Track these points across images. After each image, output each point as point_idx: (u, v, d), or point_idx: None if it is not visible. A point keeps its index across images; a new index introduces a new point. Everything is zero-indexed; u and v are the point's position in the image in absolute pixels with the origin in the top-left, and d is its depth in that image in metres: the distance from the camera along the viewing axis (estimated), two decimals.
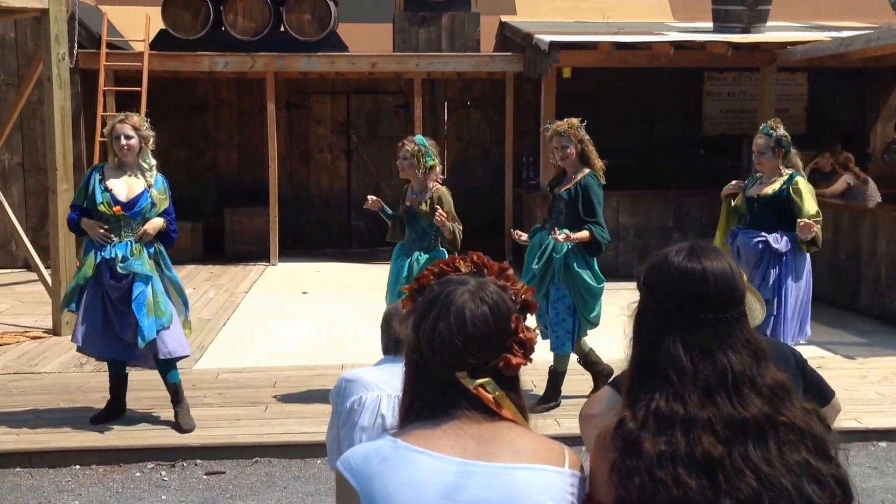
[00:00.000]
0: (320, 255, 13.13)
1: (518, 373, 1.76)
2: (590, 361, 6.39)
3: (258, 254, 12.51)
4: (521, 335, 1.73)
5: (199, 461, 5.66)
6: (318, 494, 5.21)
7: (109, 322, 5.80)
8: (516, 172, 12.74)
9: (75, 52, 10.96)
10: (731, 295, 1.82)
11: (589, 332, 6.33)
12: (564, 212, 6.13)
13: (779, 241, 5.93)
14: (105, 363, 6.20)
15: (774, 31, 11.88)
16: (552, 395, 6.29)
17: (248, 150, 13.66)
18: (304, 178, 13.95)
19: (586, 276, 6.09)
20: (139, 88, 11.32)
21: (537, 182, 11.78)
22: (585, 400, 2.81)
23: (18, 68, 11.62)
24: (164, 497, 5.18)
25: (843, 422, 2.98)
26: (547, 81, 11.00)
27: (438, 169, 6.15)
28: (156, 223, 5.81)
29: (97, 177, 5.81)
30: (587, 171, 6.13)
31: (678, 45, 10.58)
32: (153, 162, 5.90)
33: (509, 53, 12.40)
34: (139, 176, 5.83)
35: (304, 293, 10.54)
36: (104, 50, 11.38)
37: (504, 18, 13.57)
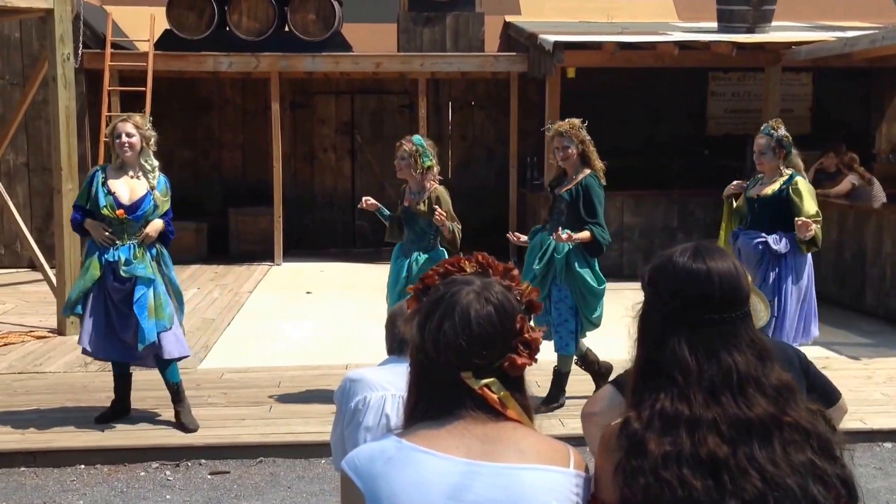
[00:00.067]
0: (324, 255, 13.14)
1: (523, 373, 1.76)
2: (588, 361, 6.39)
3: (262, 254, 12.52)
4: (527, 335, 1.73)
5: (203, 461, 5.67)
6: (322, 494, 5.22)
7: (111, 324, 5.81)
8: (520, 172, 12.74)
9: (80, 52, 10.97)
10: (735, 295, 1.82)
11: (589, 332, 6.32)
12: (565, 212, 6.12)
13: (778, 243, 5.92)
14: (109, 363, 6.22)
15: (779, 31, 11.86)
16: (556, 396, 6.28)
17: (253, 150, 13.68)
18: (308, 178, 13.96)
19: (587, 276, 6.09)
20: (144, 88, 11.33)
21: (541, 182, 11.77)
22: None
23: (23, 68, 11.63)
24: (168, 497, 5.19)
25: (847, 422, 2.97)
26: (551, 81, 11.00)
27: (436, 169, 6.14)
28: (156, 225, 5.82)
29: (99, 179, 5.80)
30: (588, 171, 6.12)
31: (683, 45, 10.57)
32: (155, 163, 5.90)
33: (513, 53, 12.40)
34: (141, 177, 5.84)
35: (309, 293, 10.55)
36: (109, 50, 11.39)
37: (508, 18, 13.57)
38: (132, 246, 5.76)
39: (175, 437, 5.82)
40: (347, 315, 9.19)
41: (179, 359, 6.00)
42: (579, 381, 6.39)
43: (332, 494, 5.15)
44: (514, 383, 1.75)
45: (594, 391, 6.31)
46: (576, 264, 6.07)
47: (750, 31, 11.55)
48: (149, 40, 11.63)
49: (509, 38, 13.18)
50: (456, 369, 1.71)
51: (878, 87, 13.72)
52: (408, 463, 1.68)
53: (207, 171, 13.78)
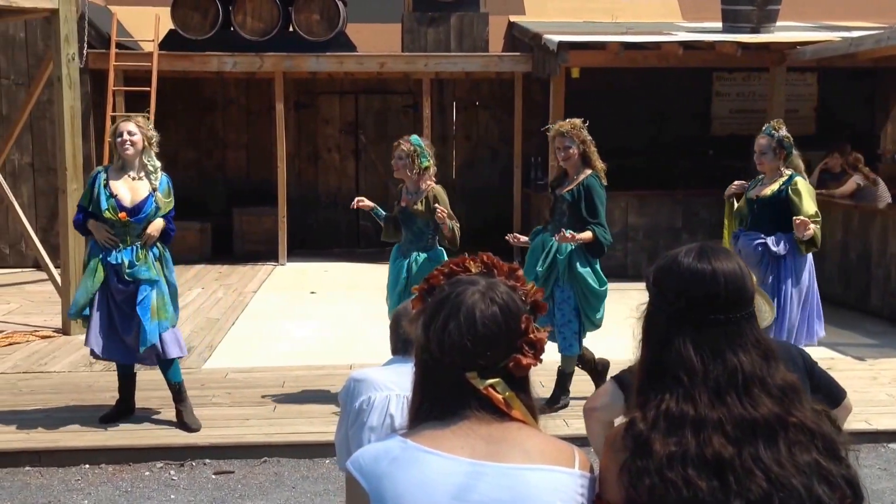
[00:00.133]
0: (328, 255, 13.14)
1: (528, 373, 1.76)
2: (584, 360, 6.39)
3: (267, 253, 12.53)
4: (532, 335, 1.73)
5: (207, 461, 5.67)
6: (326, 494, 5.22)
7: (114, 325, 5.82)
8: (525, 173, 12.74)
9: (85, 52, 10.98)
10: (740, 295, 1.82)
11: (589, 333, 6.31)
12: (567, 213, 6.11)
13: (777, 244, 5.90)
14: (113, 363, 6.23)
15: (784, 31, 11.85)
16: (560, 396, 6.28)
17: (257, 150, 13.69)
18: (312, 178, 13.97)
19: (588, 277, 6.08)
20: (148, 88, 11.34)
21: (546, 182, 11.75)
22: None
23: (28, 68, 11.66)
24: (173, 496, 5.20)
25: (852, 423, 2.97)
26: (556, 81, 10.99)
27: (433, 170, 6.15)
28: (157, 225, 5.82)
29: (102, 180, 5.80)
30: (589, 171, 6.11)
31: (687, 46, 10.56)
32: (158, 164, 5.90)
33: (518, 53, 12.39)
34: (143, 178, 5.84)
35: (313, 293, 10.55)
36: (114, 50, 11.41)
37: (513, 18, 13.57)
38: (134, 248, 5.77)
39: (179, 437, 5.83)
40: (351, 315, 9.20)
41: (177, 359, 6.02)
42: (583, 382, 6.39)
43: (337, 494, 5.15)
44: (519, 383, 1.75)
45: (594, 390, 6.33)
46: (577, 265, 6.07)
47: (755, 31, 11.54)
48: (153, 40, 11.65)
49: (513, 38, 13.18)
50: (461, 369, 1.71)
51: (884, 87, 13.70)
52: (412, 463, 1.68)
53: (211, 170, 13.80)
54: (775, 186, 5.98)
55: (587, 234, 6.00)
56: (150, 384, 6.42)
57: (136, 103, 11.08)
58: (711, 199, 10.81)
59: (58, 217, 8.73)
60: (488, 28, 12.81)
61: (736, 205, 6.32)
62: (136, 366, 6.14)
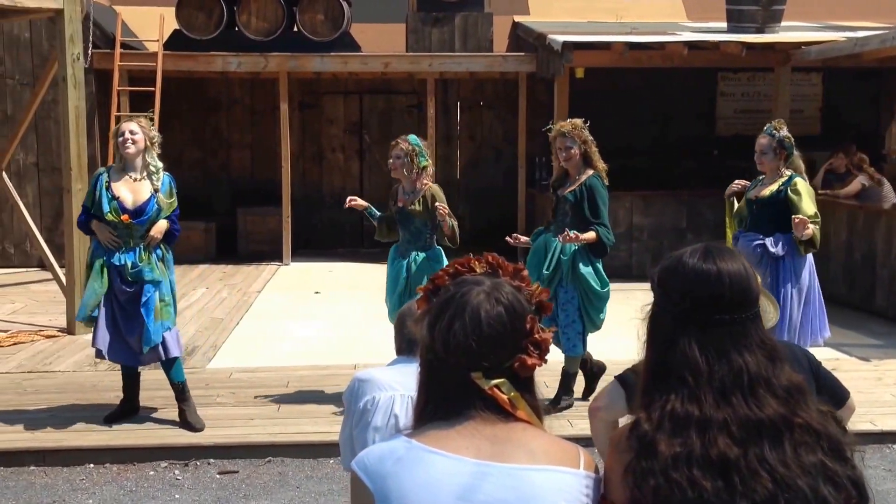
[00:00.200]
0: (333, 255, 13.15)
1: (533, 374, 1.76)
2: (581, 360, 6.39)
3: (271, 253, 12.54)
4: (537, 336, 1.73)
5: (212, 460, 5.68)
6: (330, 494, 5.22)
7: (118, 326, 5.82)
8: (529, 173, 12.73)
9: (90, 52, 11.00)
10: (745, 296, 1.82)
11: (589, 334, 6.31)
12: (570, 213, 6.11)
13: (775, 245, 5.88)
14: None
15: (789, 31, 11.83)
16: (563, 396, 6.28)
17: (261, 150, 13.70)
18: (316, 178, 13.98)
19: (591, 278, 6.07)
20: (153, 88, 11.36)
21: (549, 182, 11.76)
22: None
23: (33, 68, 11.68)
24: (177, 496, 5.20)
25: (857, 424, 2.96)
26: (560, 81, 10.98)
27: (430, 170, 6.16)
28: (160, 226, 5.82)
29: (103, 182, 5.80)
30: (591, 172, 6.11)
31: (692, 46, 10.54)
32: (160, 164, 5.90)
33: (522, 53, 12.39)
34: (145, 178, 5.84)
35: (317, 293, 10.56)
36: (118, 50, 11.43)
37: (517, 18, 13.56)
38: (138, 250, 5.78)
39: (184, 437, 5.83)
40: (356, 315, 9.20)
41: (179, 358, 6.03)
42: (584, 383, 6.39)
43: (341, 494, 5.15)
44: (524, 384, 1.75)
45: (583, 390, 6.35)
46: (580, 265, 6.06)
47: (759, 31, 11.52)
48: (158, 40, 11.66)
49: (518, 38, 13.18)
50: (466, 370, 1.70)
51: (889, 87, 13.67)
52: (418, 463, 1.68)
53: (216, 170, 13.81)
54: (774, 187, 5.95)
55: (591, 235, 5.99)
56: (154, 384, 6.42)
57: (140, 103, 11.10)
58: (716, 200, 10.75)
59: (62, 217, 8.74)
60: (493, 28, 12.81)
61: (736, 205, 6.30)
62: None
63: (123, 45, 11.62)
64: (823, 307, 6.09)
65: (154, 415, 6.16)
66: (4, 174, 9.96)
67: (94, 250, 5.88)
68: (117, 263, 5.74)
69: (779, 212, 5.88)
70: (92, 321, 5.91)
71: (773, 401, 1.75)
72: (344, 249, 13.65)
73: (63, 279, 8.81)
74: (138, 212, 5.75)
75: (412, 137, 6.17)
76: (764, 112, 12.74)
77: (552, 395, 6.24)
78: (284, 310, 9.61)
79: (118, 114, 11.04)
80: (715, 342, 1.78)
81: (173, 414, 6.08)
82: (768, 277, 5.87)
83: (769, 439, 1.71)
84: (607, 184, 6.17)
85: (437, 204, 5.94)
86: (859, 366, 7.44)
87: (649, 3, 14.38)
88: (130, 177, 5.83)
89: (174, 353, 5.92)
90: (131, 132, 5.76)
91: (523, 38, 12.76)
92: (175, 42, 12.03)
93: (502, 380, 1.71)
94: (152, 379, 6.46)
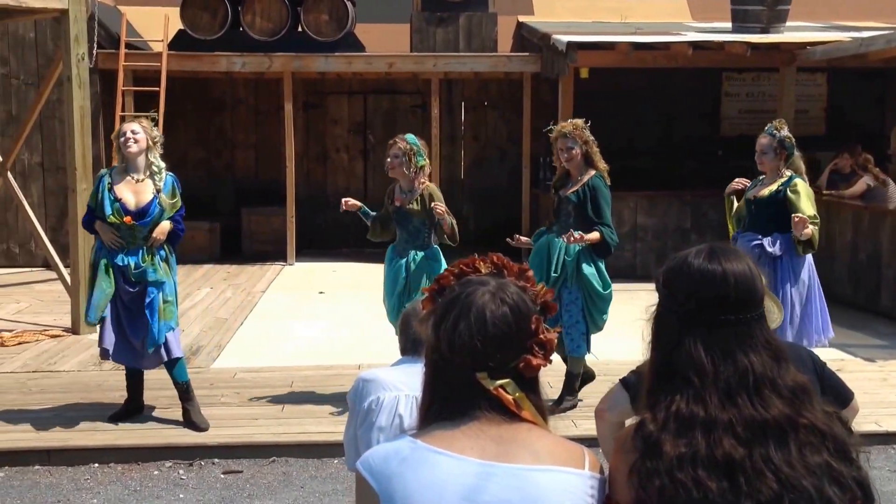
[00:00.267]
0: (337, 255, 13.15)
1: (538, 374, 1.76)
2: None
3: (275, 253, 12.55)
4: (542, 336, 1.73)
5: (216, 460, 5.68)
6: (334, 494, 5.22)
7: (122, 326, 5.83)
8: (533, 173, 12.72)
9: (94, 52, 11.01)
10: (750, 296, 1.82)
11: (595, 335, 6.31)
12: (573, 214, 6.11)
13: (773, 245, 5.85)
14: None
15: (794, 32, 11.82)
16: (566, 397, 6.27)
17: (266, 150, 13.71)
18: (321, 178, 13.98)
19: (593, 279, 6.07)
20: (157, 88, 11.37)
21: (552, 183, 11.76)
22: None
23: (38, 68, 11.69)
24: (181, 496, 5.21)
25: (862, 425, 2.96)
26: (564, 81, 10.98)
27: (427, 169, 6.16)
28: (163, 228, 5.83)
29: (105, 184, 5.80)
30: (593, 172, 6.10)
31: (696, 46, 10.53)
32: (162, 164, 5.90)
33: (527, 54, 12.38)
34: (147, 179, 5.84)
35: (321, 293, 10.56)
36: (123, 50, 11.44)
37: (521, 18, 13.56)
38: (141, 251, 5.78)
39: (188, 437, 5.84)
40: (360, 315, 9.20)
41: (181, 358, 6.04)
42: (592, 383, 6.38)
43: (345, 494, 5.16)
44: (529, 384, 1.75)
45: (560, 391, 6.34)
46: (584, 266, 6.06)
47: (764, 31, 11.51)
48: (163, 40, 11.68)
49: (522, 38, 13.17)
50: (471, 370, 1.70)
51: (894, 87, 13.64)
52: (422, 463, 1.68)
53: (220, 170, 13.82)
54: (774, 187, 5.92)
55: (595, 235, 5.99)
56: (158, 383, 6.43)
57: (145, 103, 11.11)
58: (720, 200, 10.67)
59: (67, 216, 8.76)
60: (497, 28, 12.80)
61: (735, 204, 6.27)
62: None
63: (128, 45, 11.64)
64: (825, 307, 6.06)
65: (158, 414, 6.17)
66: (9, 174, 9.99)
67: (98, 250, 5.89)
68: (121, 264, 5.75)
69: (778, 212, 5.86)
70: (101, 321, 5.92)
71: (778, 401, 1.75)
72: (348, 249, 13.64)
73: (68, 279, 8.83)
74: (141, 213, 5.75)
75: (410, 136, 6.17)
76: (768, 112, 12.71)
77: (556, 396, 6.24)
78: (288, 310, 9.61)
79: (123, 114, 11.05)
80: (720, 343, 1.78)
81: (178, 414, 6.08)
82: (768, 278, 5.86)
83: (774, 440, 1.71)
84: (609, 184, 6.17)
85: (434, 203, 5.94)
86: (864, 366, 7.43)
87: (654, 3, 14.37)
88: (133, 178, 5.83)
89: (177, 353, 5.94)
90: (133, 132, 5.77)
91: (527, 38, 12.75)
92: (179, 42, 12.04)
93: (507, 380, 1.71)
94: (156, 378, 6.46)
